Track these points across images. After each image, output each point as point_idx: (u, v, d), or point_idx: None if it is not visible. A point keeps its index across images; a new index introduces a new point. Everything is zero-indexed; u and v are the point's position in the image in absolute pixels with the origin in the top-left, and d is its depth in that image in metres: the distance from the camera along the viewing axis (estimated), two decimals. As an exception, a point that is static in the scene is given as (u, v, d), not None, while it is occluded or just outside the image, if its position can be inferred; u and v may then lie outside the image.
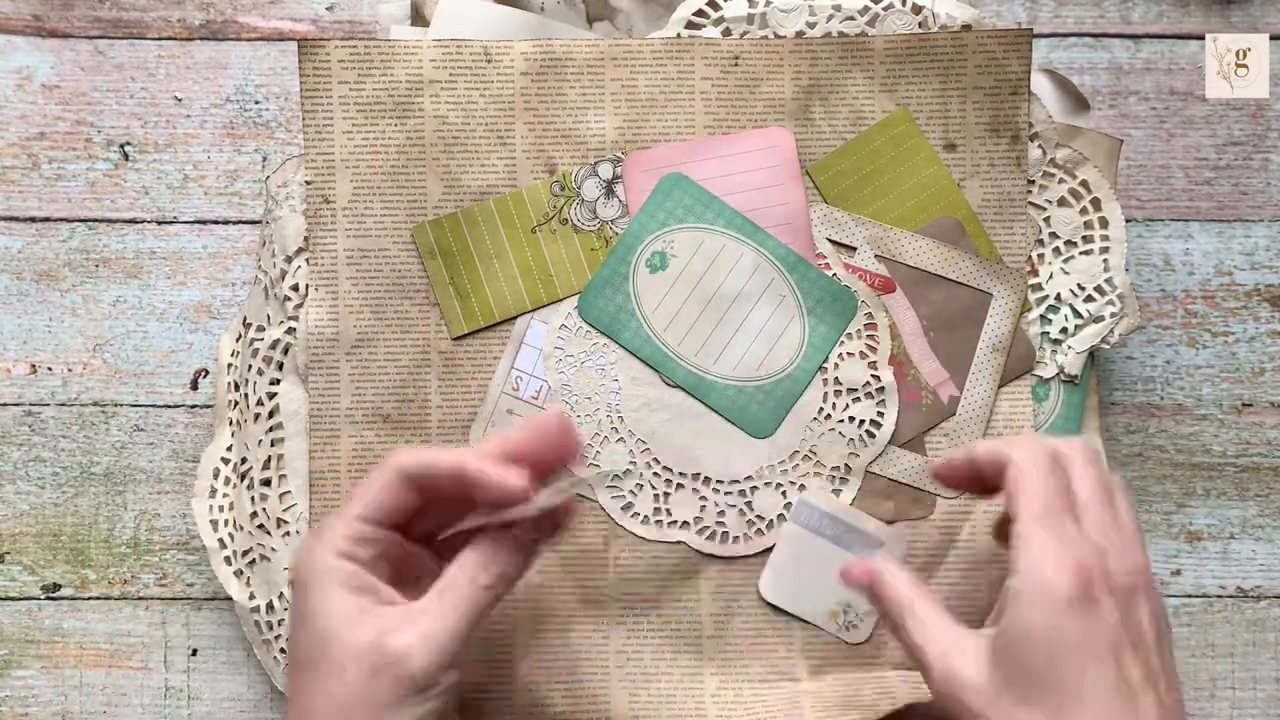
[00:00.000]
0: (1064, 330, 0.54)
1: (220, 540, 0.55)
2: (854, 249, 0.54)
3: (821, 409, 0.54)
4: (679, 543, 0.54)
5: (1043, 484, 0.41)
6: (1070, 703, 0.38)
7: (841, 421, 0.54)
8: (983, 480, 0.44)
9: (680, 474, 0.54)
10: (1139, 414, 0.58)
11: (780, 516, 0.54)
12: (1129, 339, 0.57)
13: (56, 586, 0.57)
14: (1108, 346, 0.54)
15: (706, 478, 0.54)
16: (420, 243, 0.53)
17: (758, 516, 0.54)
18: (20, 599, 0.57)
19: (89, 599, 0.57)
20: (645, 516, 0.54)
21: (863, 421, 0.54)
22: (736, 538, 0.54)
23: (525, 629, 0.53)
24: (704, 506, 0.54)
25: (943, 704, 0.41)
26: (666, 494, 0.54)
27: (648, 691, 0.53)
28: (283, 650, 0.54)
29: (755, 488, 0.54)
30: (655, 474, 0.54)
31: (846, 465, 0.54)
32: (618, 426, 0.54)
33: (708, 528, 0.54)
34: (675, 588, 0.54)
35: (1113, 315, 0.54)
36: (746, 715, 0.53)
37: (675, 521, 0.54)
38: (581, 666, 0.53)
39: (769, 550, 0.54)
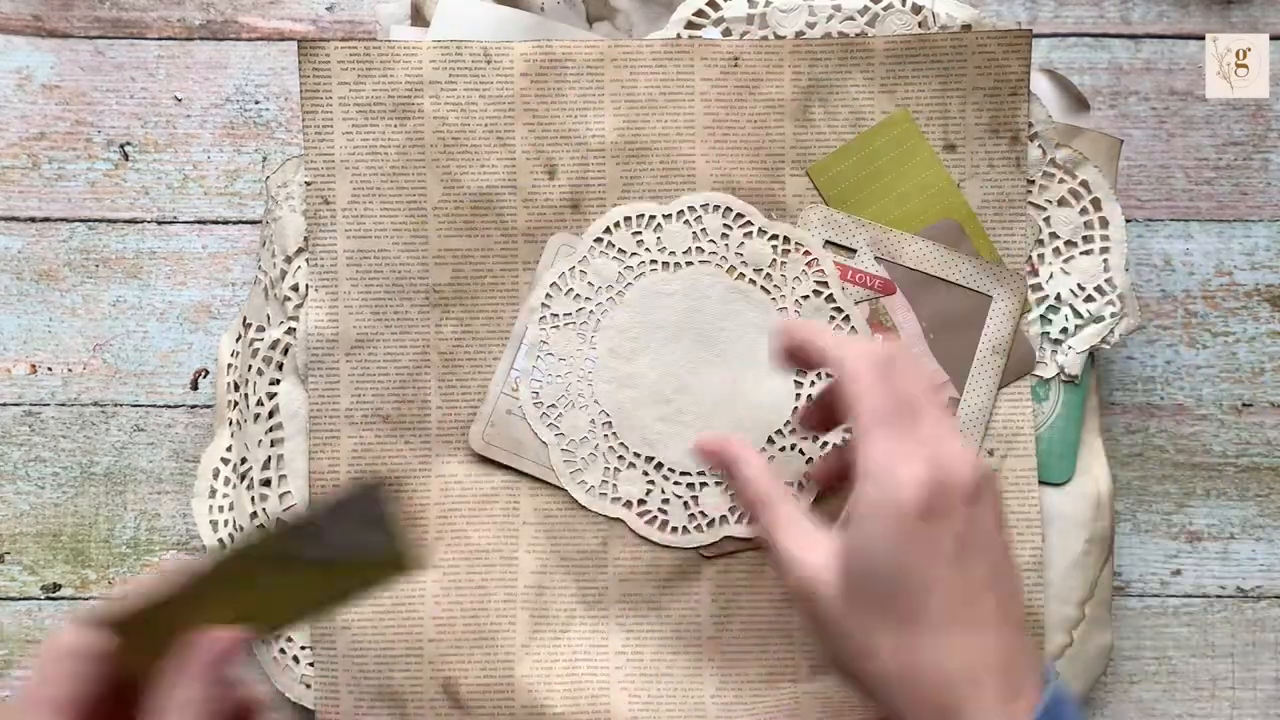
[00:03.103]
0: (1064, 330, 0.54)
1: (220, 540, 0.55)
2: (854, 251, 0.54)
3: (788, 422, 0.53)
4: (617, 520, 0.53)
5: (881, 386, 0.41)
6: (917, 610, 0.39)
7: (805, 439, 0.54)
8: (805, 359, 0.44)
9: (635, 454, 0.54)
10: (1139, 414, 0.58)
11: (723, 518, 0.54)
12: (1129, 339, 0.57)
13: (56, 586, 0.57)
14: (1108, 346, 0.54)
15: (659, 463, 0.54)
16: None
17: (700, 512, 0.54)
18: (20, 599, 0.57)
19: (89, 599, 0.57)
20: (591, 487, 0.53)
21: (826, 443, 0.54)
22: (676, 528, 0.54)
23: (525, 629, 0.53)
24: (650, 490, 0.54)
25: (798, 602, 0.42)
26: (616, 469, 0.54)
27: (648, 692, 0.53)
28: (282, 650, 0.54)
29: (705, 484, 0.54)
30: (610, 448, 0.54)
31: (800, 483, 0.54)
32: (584, 393, 0.54)
33: (649, 512, 0.54)
34: (675, 588, 0.54)
35: (1113, 315, 0.54)
36: (747, 715, 0.53)
37: (619, 499, 0.54)
38: (581, 667, 0.53)
39: (709, 546, 0.54)
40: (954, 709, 0.38)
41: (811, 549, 0.41)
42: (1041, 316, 0.54)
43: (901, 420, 0.40)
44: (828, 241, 0.54)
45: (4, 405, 0.58)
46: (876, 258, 0.54)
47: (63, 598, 0.57)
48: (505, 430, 0.54)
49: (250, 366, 0.54)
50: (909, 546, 0.39)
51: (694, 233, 0.54)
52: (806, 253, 0.53)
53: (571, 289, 0.54)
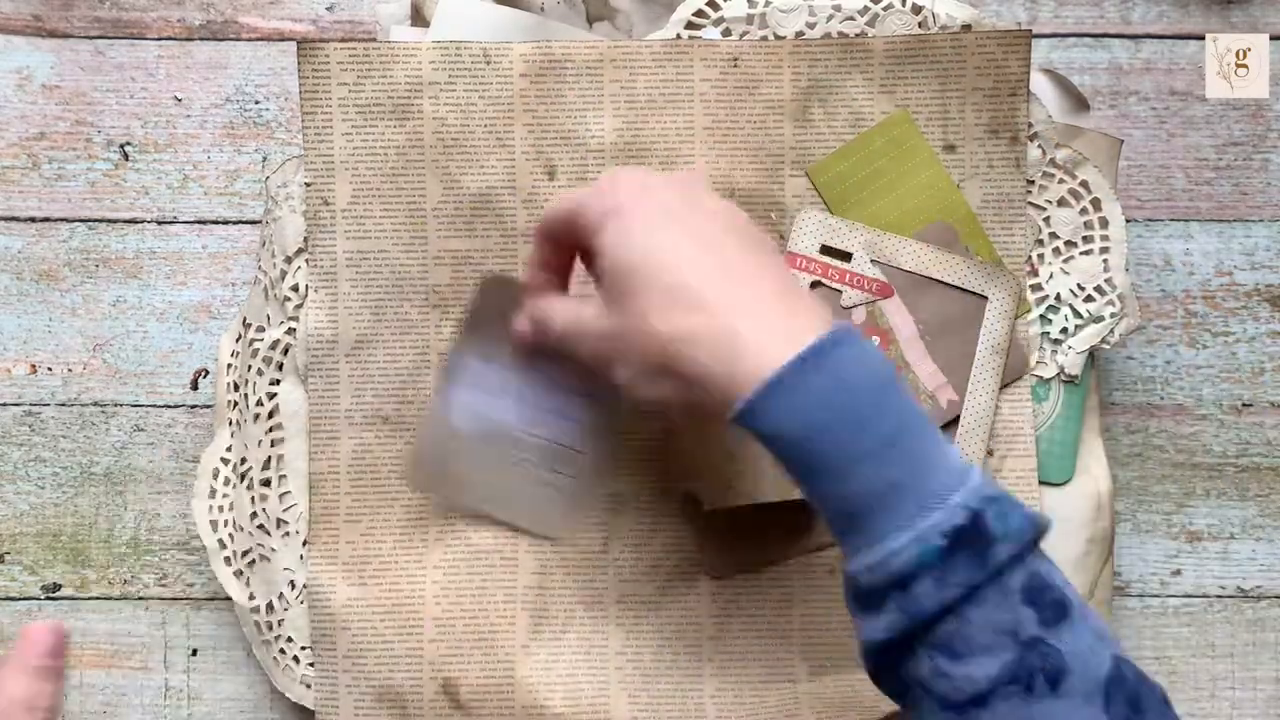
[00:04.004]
0: (1064, 330, 0.54)
1: (220, 540, 0.55)
2: (850, 256, 0.54)
3: None
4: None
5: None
6: (661, 270, 0.42)
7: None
8: (559, 244, 0.48)
9: None
10: (1139, 414, 0.58)
11: None
12: (1129, 339, 0.57)
13: (56, 586, 0.57)
14: (1108, 346, 0.54)
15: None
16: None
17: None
18: (20, 599, 0.57)
19: (89, 599, 0.57)
20: None
21: None
22: None
23: (525, 629, 0.53)
24: None
25: (593, 359, 0.45)
26: None
27: (647, 693, 0.53)
28: (282, 650, 0.54)
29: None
30: None
31: None
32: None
33: None
34: (675, 589, 0.54)
35: (1113, 315, 0.54)
36: (747, 716, 0.53)
37: None
38: (581, 668, 0.53)
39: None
40: (735, 333, 0.40)
41: (579, 309, 0.46)
42: (1041, 316, 0.54)
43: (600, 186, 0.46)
44: (824, 246, 0.54)
45: (4, 405, 0.58)
46: (873, 261, 0.54)
47: (63, 598, 0.57)
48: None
49: (250, 366, 0.54)
50: (631, 225, 0.43)
51: None
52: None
53: None
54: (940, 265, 0.54)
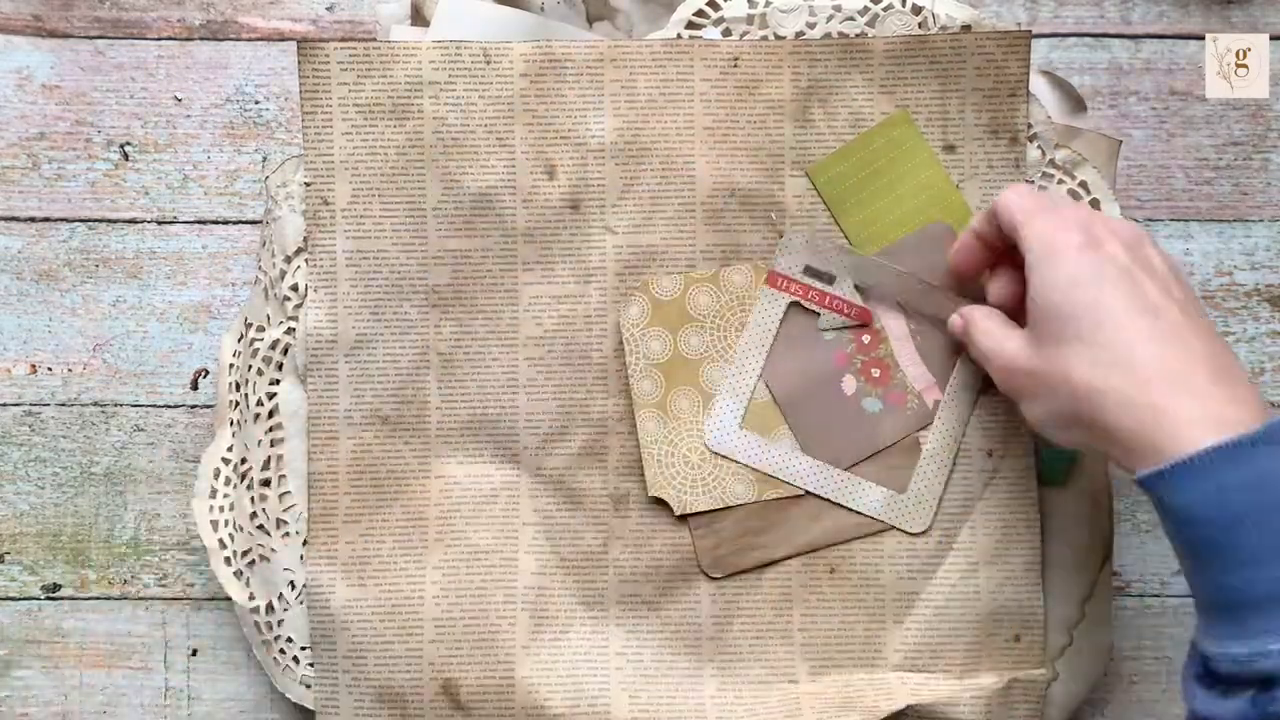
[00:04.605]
0: (1064, 330, 0.54)
1: (220, 540, 0.55)
2: (833, 279, 0.53)
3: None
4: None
5: (1037, 197, 0.47)
6: (1098, 323, 0.43)
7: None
8: (993, 243, 0.49)
9: None
10: (1139, 414, 0.58)
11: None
12: (1129, 339, 0.57)
13: (56, 586, 0.57)
14: (1107, 347, 0.54)
15: None
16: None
17: None
18: (20, 599, 0.57)
19: (89, 599, 0.57)
20: None
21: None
22: None
23: (525, 630, 0.53)
24: None
25: (1006, 388, 0.48)
26: None
27: (647, 693, 0.53)
28: (282, 650, 0.54)
29: None
30: None
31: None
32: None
33: None
34: (675, 589, 0.54)
35: (1113, 315, 0.54)
36: (747, 717, 0.53)
37: None
38: (581, 668, 0.53)
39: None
40: (1162, 403, 0.41)
41: (1005, 339, 0.48)
42: (1041, 317, 0.54)
43: (1057, 206, 0.47)
44: (807, 267, 0.54)
45: (4, 405, 0.58)
46: (857, 286, 0.53)
47: (63, 598, 0.57)
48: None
49: (250, 366, 0.54)
50: (1076, 274, 0.44)
51: None
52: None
53: None
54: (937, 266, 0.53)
